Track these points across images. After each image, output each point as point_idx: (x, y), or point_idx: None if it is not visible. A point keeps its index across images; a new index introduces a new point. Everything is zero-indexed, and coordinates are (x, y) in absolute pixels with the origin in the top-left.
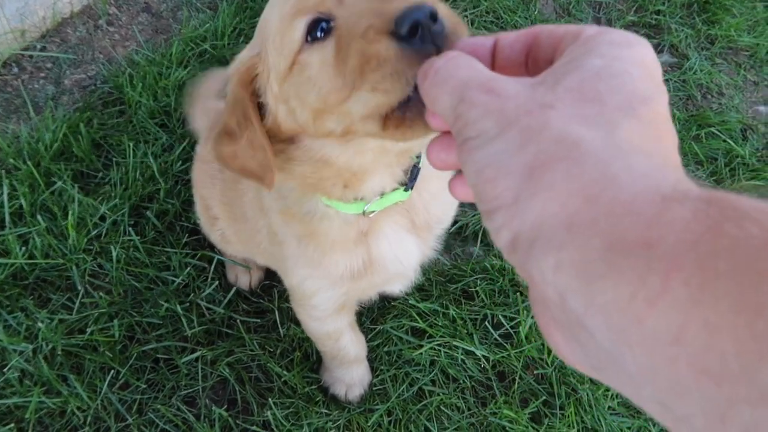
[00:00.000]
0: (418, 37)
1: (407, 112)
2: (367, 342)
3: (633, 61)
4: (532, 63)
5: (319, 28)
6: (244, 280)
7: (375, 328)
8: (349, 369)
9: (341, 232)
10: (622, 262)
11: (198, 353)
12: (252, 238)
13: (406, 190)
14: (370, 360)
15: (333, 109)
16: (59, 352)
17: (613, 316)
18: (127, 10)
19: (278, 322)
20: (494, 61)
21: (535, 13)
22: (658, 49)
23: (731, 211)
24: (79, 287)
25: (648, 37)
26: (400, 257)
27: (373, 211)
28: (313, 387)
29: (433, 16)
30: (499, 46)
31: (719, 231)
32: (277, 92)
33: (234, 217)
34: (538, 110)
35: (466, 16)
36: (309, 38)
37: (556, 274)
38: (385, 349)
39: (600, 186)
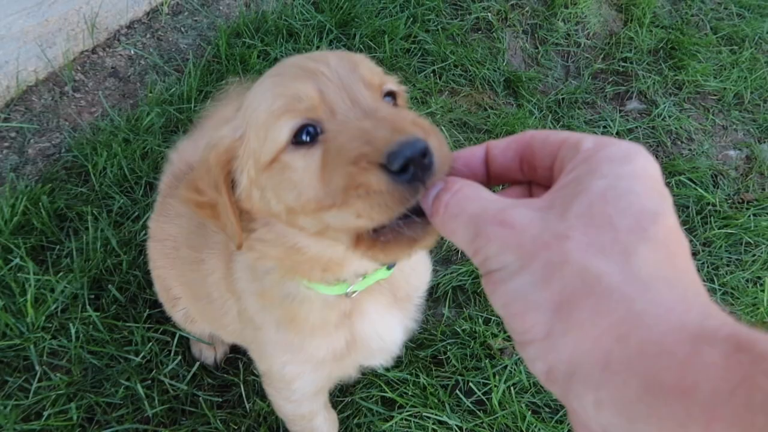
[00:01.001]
0: (409, 173)
1: (381, 236)
2: (338, 415)
3: (635, 176)
4: (528, 168)
5: (305, 132)
6: (208, 355)
7: (344, 400)
8: None
9: (322, 315)
10: (662, 407)
11: None
12: (219, 319)
13: (388, 268)
14: None
15: (309, 214)
16: None
17: None
18: (94, 76)
19: (244, 396)
20: (488, 168)
21: (504, 64)
22: (627, 95)
23: (762, 363)
24: (37, 368)
25: (616, 84)
26: (383, 335)
27: (355, 291)
28: None
29: (424, 152)
30: (490, 154)
31: (753, 384)
32: (254, 178)
33: (197, 297)
34: (555, 242)
35: (435, 71)
36: (294, 140)
37: (598, 410)
38: (356, 421)
39: (628, 325)
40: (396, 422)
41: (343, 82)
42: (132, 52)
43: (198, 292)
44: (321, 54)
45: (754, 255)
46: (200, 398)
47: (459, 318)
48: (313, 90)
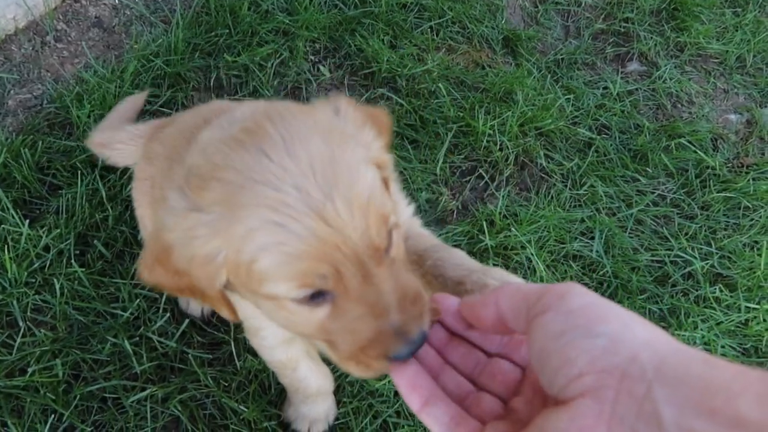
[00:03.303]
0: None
1: None
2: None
3: None
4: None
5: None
6: (195, 307)
7: None
8: (314, 403)
9: None
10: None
11: (148, 391)
12: None
13: None
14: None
15: (294, 333)
16: None
17: None
18: (77, 26)
19: (234, 354)
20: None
21: (503, 22)
22: (627, 57)
23: None
24: (21, 324)
25: (617, 45)
26: None
27: None
28: (273, 423)
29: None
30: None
31: None
32: (233, 283)
33: None
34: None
35: (432, 27)
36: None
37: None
38: (348, 379)
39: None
40: (389, 381)
41: (359, 258)
42: (116, 1)
43: None
44: (328, 207)
45: (752, 219)
46: (189, 355)
47: None
48: (331, 271)
